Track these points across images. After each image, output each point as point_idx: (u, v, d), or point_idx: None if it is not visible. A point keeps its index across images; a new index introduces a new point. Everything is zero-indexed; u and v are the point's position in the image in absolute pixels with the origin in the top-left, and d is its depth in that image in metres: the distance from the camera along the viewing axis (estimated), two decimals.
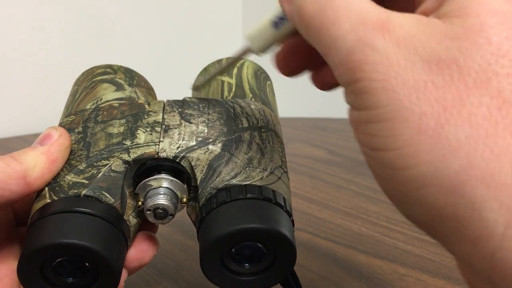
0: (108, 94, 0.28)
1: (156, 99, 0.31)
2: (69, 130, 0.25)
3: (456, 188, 0.15)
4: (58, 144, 0.24)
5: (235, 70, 0.31)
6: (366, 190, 0.52)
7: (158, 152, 0.24)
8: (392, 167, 0.17)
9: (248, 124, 0.26)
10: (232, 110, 0.26)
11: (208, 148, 0.24)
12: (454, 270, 0.35)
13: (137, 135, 0.24)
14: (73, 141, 0.25)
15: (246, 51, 0.24)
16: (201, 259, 0.22)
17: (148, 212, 0.24)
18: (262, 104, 0.29)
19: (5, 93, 0.72)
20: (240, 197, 0.23)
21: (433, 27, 0.16)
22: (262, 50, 0.24)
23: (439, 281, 0.34)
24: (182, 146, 0.24)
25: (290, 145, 0.74)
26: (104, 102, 0.27)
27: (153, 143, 0.24)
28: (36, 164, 0.23)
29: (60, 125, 0.27)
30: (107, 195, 0.23)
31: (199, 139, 0.24)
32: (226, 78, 0.30)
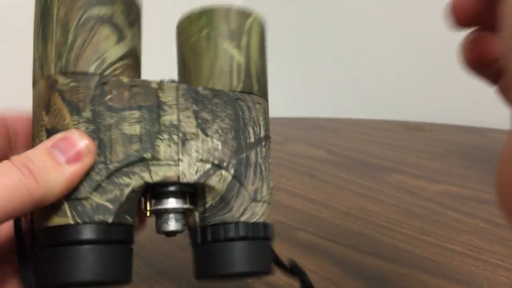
0: (111, 49, 0.24)
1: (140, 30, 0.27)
2: (73, 107, 0.22)
3: None
4: (85, 168, 0.21)
5: (245, 40, 0.28)
6: (366, 190, 0.52)
7: (179, 177, 0.24)
8: None
9: (254, 137, 0.26)
10: (241, 114, 0.26)
11: (222, 175, 0.25)
12: (455, 270, 0.35)
13: (157, 147, 0.24)
14: (84, 131, 0.22)
15: None
16: (197, 277, 0.26)
17: (160, 231, 0.25)
18: (263, 92, 0.28)
19: (5, 93, 0.72)
20: (247, 237, 0.25)
21: None
22: None
23: (439, 281, 0.34)
24: (200, 171, 0.24)
25: (290, 145, 0.74)
26: (109, 67, 0.24)
27: (173, 162, 0.24)
28: (54, 188, 0.20)
29: (56, 85, 0.23)
30: (128, 218, 0.23)
31: (215, 160, 0.25)
32: (235, 52, 0.27)
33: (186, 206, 0.25)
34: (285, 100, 1.07)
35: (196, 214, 0.25)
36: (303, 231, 0.42)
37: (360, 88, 1.08)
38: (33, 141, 0.23)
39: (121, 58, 0.24)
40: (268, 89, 0.29)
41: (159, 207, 0.24)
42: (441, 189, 0.53)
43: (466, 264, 0.36)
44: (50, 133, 0.22)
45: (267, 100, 0.28)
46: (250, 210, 0.25)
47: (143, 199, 0.25)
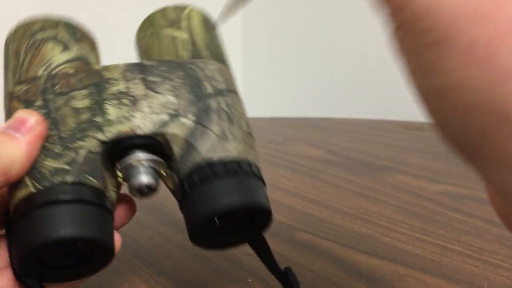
0: (57, 56, 0.27)
1: (97, 51, 0.30)
2: (27, 102, 0.25)
3: (502, 114, 0.15)
4: (38, 135, 0.23)
5: (184, 23, 0.30)
6: (366, 190, 0.52)
7: (134, 130, 0.24)
8: (441, 90, 0.16)
9: (212, 88, 0.26)
10: (193, 73, 0.26)
11: (181, 122, 0.24)
12: (455, 270, 0.35)
13: (106, 110, 0.24)
14: None
15: None
16: (190, 233, 0.24)
17: (133, 190, 0.24)
18: (217, 59, 0.29)
19: None
20: (222, 174, 0.24)
21: None
22: None
23: (439, 281, 0.34)
24: (156, 122, 0.24)
25: (290, 145, 0.74)
26: (56, 67, 0.26)
27: (125, 119, 0.24)
28: (15, 159, 0.22)
29: (13, 95, 0.25)
30: (91, 178, 0.23)
31: (170, 111, 0.25)
32: (177, 33, 0.29)
33: (152, 157, 0.24)
34: (285, 100, 1.07)
35: (174, 174, 0.25)
36: (303, 231, 0.42)
37: (360, 88, 1.08)
38: None
39: (68, 61, 0.26)
40: (227, 58, 0.30)
41: (124, 164, 0.24)
42: (441, 189, 0.53)
43: (466, 264, 0.36)
44: None
45: (226, 66, 0.29)
46: (220, 148, 0.24)
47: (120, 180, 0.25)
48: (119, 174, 0.24)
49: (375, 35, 1.07)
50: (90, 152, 0.23)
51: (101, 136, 0.24)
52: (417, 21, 0.16)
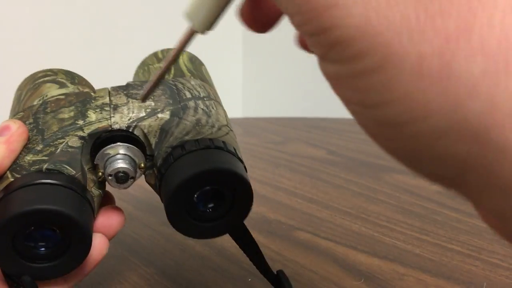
0: (53, 91, 0.29)
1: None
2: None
3: (479, 133, 0.12)
4: (18, 134, 0.25)
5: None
6: (366, 190, 0.52)
7: (111, 125, 0.25)
8: (394, 123, 0.14)
9: (191, 95, 0.28)
10: (174, 87, 0.28)
11: (157, 116, 0.26)
12: (454, 270, 0.35)
13: (88, 115, 0.26)
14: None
15: (190, 34, 0.20)
16: (167, 211, 0.24)
17: (109, 177, 0.25)
18: (201, 81, 0.30)
19: (5, 94, 0.72)
20: (194, 149, 0.25)
21: None
22: (208, 24, 0.20)
23: (438, 281, 0.34)
24: (133, 118, 0.26)
25: (290, 145, 0.74)
26: (50, 97, 0.28)
27: (105, 119, 0.26)
28: None
29: None
30: (68, 168, 0.25)
31: (148, 110, 0.26)
32: (163, 65, 0.31)
33: (129, 146, 0.25)
34: (285, 100, 1.07)
35: (154, 169, 0.26)
36: (303, 231, 0.42)
37: None
38: None
39: (63, 94, 0.28)
40: (212, 83, 0.32)
41: (102, 154, 0.25)
42: (440, 188, 0.53)
43: (465, 263, 0.36)
44: None
45: (211, 86, 0.31)
46: (194, 131, 0.25)
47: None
48: (100, 169, 0.25)
49: None
50: (69, 146, 0.25)
51: (80, 133, 0.25)
52: (344, 48, 0.14)
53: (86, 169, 0.25)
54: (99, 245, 0.25)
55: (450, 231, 0.42)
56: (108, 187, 0.27)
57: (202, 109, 0.27)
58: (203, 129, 0.26)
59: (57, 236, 0.23)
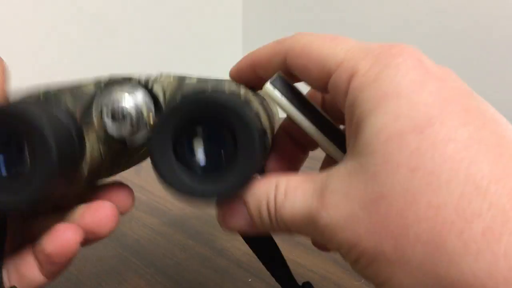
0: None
1: None
2: None
3: None
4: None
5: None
6: None
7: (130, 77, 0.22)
8: None
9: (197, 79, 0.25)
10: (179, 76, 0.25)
11: (170, 77, 0.23)
12: None
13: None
14: None
15: None
16: (152, 145, 0.19)
17: (107, 113, 0.21)
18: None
19: None
20: (203, 94, 0.19)
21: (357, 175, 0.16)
22: None
23: None
24: (146, 77, 0.22)
25: None
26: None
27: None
28: None
29: None
30: (68, 99, 0.21)
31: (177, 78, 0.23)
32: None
33: (139, 92, 0.22)
34: None
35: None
36: None
37: None
38: None
39: None
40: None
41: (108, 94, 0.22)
42: None
43: None
44: None
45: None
46: (207, 88, 0.21)
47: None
48: (104, 111, 0.21)
49: (375, 34, 1.08)
50: (82, 91, 0.21)
51: (93, 84, 0.22)
52: (366, 266, 0.16)
53: (94, 117, 0.21)
54: (112, 211, 0.22)
55: None
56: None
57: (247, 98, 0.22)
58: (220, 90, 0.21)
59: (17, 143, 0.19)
